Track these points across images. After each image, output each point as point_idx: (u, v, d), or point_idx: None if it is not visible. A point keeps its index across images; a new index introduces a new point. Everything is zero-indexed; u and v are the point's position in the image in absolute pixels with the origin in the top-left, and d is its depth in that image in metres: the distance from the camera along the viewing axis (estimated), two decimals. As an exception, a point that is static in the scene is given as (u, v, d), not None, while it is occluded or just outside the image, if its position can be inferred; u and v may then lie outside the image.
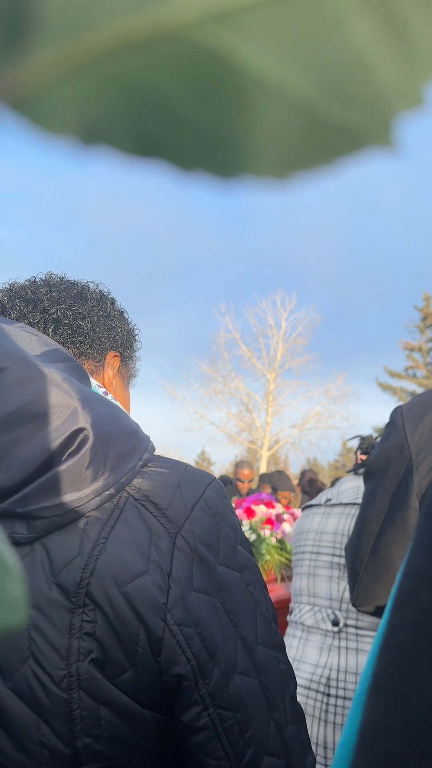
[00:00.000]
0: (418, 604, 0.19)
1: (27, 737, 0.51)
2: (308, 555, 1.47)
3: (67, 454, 0.52)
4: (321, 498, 1.55)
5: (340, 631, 1.35)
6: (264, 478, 5.65)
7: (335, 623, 1.35)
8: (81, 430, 0.53)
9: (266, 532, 2.82)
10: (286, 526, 2.87)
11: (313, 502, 1.57)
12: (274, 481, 5.13)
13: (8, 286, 0.74)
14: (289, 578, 2.69)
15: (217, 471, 25.72)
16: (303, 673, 1.36)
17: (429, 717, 0.18)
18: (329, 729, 1.29)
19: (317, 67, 0.11)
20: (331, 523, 1.44)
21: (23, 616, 0.13)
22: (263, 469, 19.42)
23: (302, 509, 1.59)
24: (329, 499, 1.51)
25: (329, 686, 1.31)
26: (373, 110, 0.11)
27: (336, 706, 1.30)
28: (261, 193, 0.11)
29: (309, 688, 1.33)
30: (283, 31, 0.10)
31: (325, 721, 1.30)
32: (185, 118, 0.11)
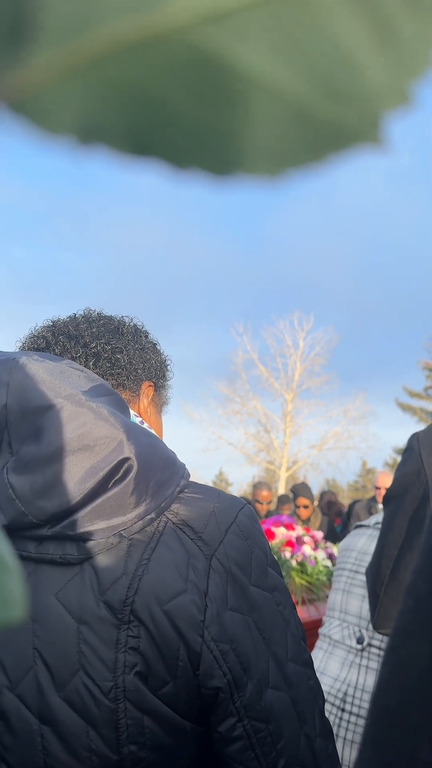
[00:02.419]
0: (416, 592, 0.24)
1: (77, 743, 0.55)
2: (347, 572, 1.50)
3: (113, 481, 0.58)
4: (371, 520, 1.58)
5: (363, 650, 1.37)
6: (283, 500, 5.66)
7: (360, 641, 1.37)
8: (126, 459, 0.58)
9: (287, 554, 2.83)
10: (307, 549, 2.87)
11: (363, 522, 1.60)
12: (296, 487, 5.18)
13: (51, 323, 0.80)
14: (311, 601, 2.69)
15: (234, 492, 25.54)
16: (323, 686, 1.38)
17: (418, 678, 0.23)
18: (339, 743, 1.31)
19: (308, 65, 0.11)
20: (375, 546, 1.47)
21: (21, 612, 0.13)
22: (282, 490, 19.30)
23: (353, 528, 1.63)
24: (378, 522, 1.54)
25: (345, 701, 1.33)
26: (361, 108, 0.11)
27: (348, 722, 1.31)
28: (255, 191, 0.12)
29: (326, 701, 1.36)
30: (275, 31, 0.10)
31: (337, 735, 1.31)
32: (180, 117, 0.11)
